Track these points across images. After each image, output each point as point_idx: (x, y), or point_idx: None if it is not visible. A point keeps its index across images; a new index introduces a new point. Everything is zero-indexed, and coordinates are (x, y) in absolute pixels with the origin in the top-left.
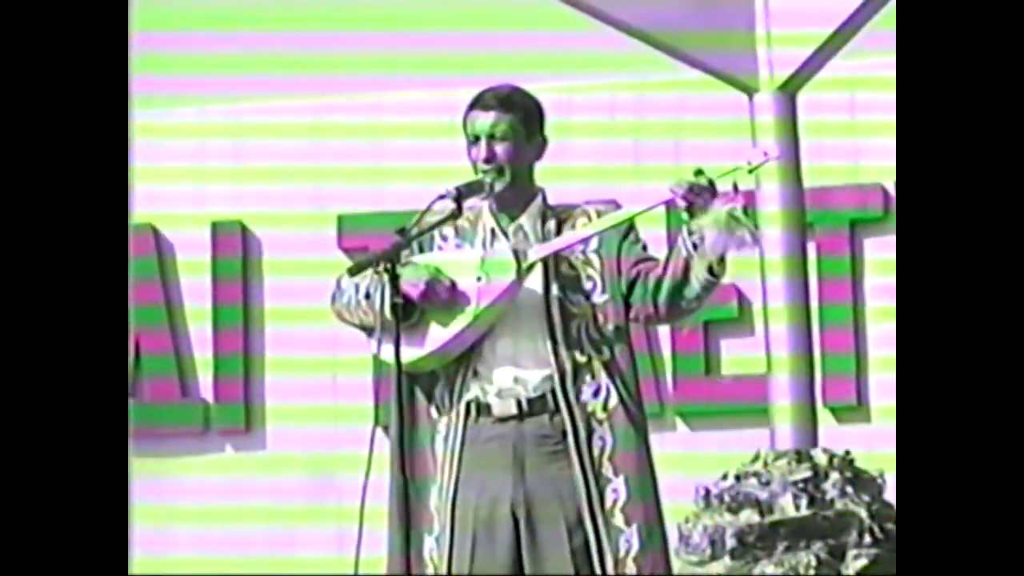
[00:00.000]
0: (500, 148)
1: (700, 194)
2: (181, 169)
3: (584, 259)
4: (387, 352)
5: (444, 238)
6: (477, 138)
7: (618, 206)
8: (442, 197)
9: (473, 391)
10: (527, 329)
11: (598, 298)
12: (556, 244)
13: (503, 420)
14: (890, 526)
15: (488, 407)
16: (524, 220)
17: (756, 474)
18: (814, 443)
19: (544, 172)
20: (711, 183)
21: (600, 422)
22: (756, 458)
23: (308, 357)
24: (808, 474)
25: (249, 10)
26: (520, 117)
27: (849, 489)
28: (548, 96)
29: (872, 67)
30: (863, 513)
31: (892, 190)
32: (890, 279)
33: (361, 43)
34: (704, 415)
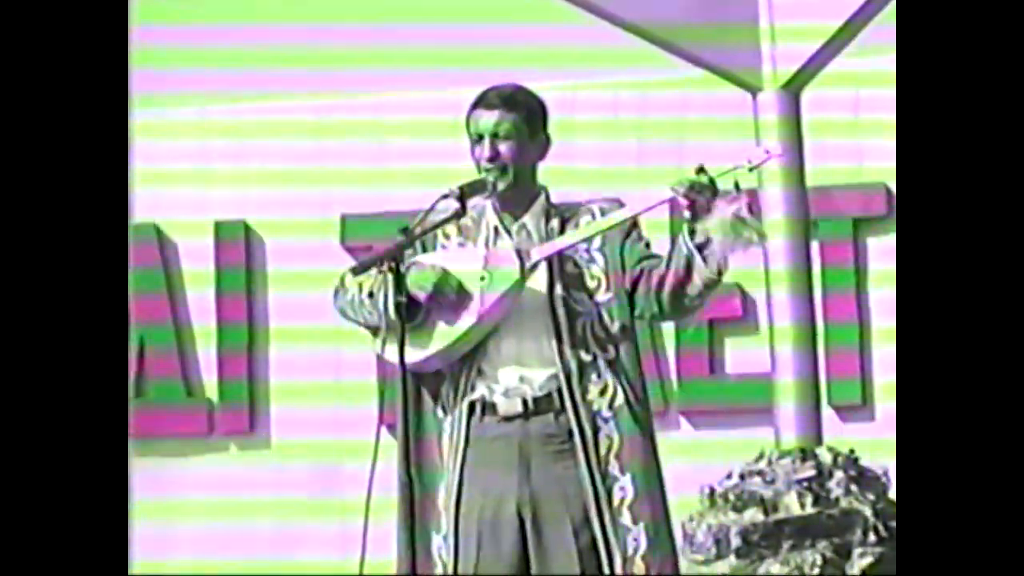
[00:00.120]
0: (503, 147)
1: (701, 192)
2: (184, 170)
3: (588, 257)
4: (391, 352)
5: (447, 237)
6: (480, 137)
7: (622, 204)
8: (445, 196)
9: (479, 390)
10: (532, 328)
11: (602, 296)
12: (559, 243)
13: (509, 419)
14: (895, 524)
15: (494, 406)
16: (527, 219)
17: (760, 473)
18: (818, 442)
19: (547, 171)
20: (712, 182)
21: (606, 420)
22: (760, 457)
23: (312, 358)
24: (812, 472)
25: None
26: (523, 116)
27: (854, 487)
28: (551, 94)
29: (876, 65)
30: (868, 511)
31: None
32: (894, 279)
33: (363, 42)
34: (708, 414)
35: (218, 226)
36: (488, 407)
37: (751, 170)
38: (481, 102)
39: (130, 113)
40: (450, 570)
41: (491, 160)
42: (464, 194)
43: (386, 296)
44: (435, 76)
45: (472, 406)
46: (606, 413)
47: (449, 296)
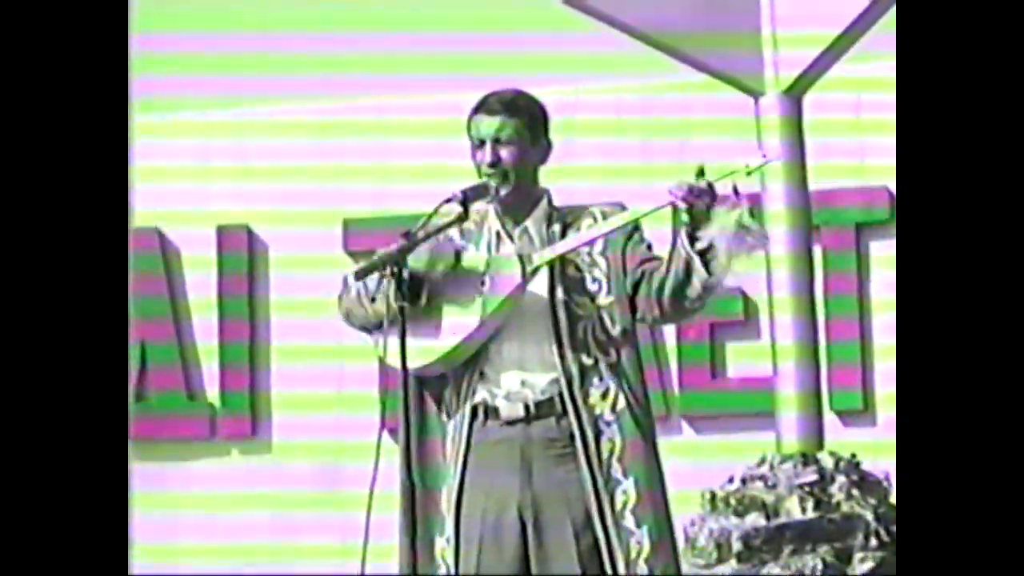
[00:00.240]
0: (505, 152)
1: (700, 196)
2: (186, 172)
3: (590, 261)
4: (393, 356)
5: (450, 241)
6: (482, 142)
7: (624, 208)
8: (448, 200)
9: (481, 394)
10: (533, 332)
11: (604, 300)
12: (560, 248)
13: (511, 423)
14: (896, 529)
15: (496, 410)
16: (529, 223)
17: (762, 477)
18: (820, 446)
19: (550, 175)
20: (710, 186)
21: (608, 424)
22: (762, 461)
23: (314, 360)
24: (814, 477)
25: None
26: (525, 121)
27: (855, 492)
28: (554, 99)
29: (877, 69)
30: (869, 516)
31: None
32: (895, 283)
33: (366, 45)
34: (710, 418)
35: (220, 229)
36: (490, 411)
37: (749, 174)
38: (482, 107)
39: (130, 115)
40: (453, 572)
41: (492, 165)
42: (467, 198)
43: (388, 299)
44: (438, 80)
45: (474, 410)
46: (608, 417)
47: (447, 264)
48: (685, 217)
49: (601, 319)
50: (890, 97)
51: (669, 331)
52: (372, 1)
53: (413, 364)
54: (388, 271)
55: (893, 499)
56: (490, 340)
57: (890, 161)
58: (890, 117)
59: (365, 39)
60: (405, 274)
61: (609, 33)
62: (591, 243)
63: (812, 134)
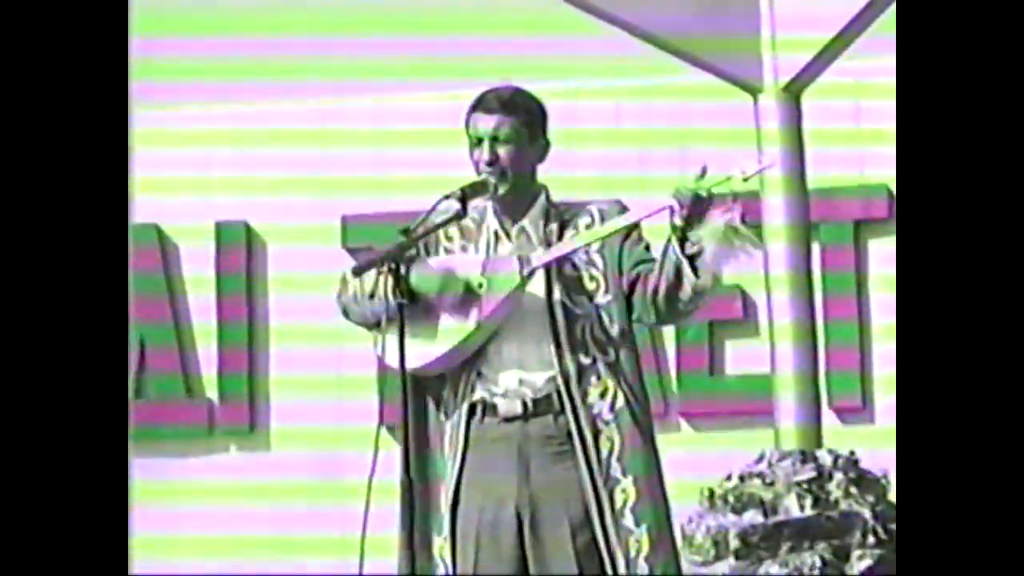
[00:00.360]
0: (503, 150)
1: (700, 204)
2: (185, 171)
3: (587, 260)
4: (391, 355)
5: (450, 240)
6: (480, 140)
7: (623, 205)
8: (447, 198)
9: (479, 392)
10: (532, 332)
11: (602, 299)
12: (558, 250)
13: (508, 420)
14: (894, 527)
15: (494, 407)
16: (527, 222)
17: (760, 474)
18: (818, 444)
19: (549, 176)
20: (710, 194)
21: (607, 423)
22: (760, 458)
23: (313, 358)
24: (812, 474)
25: (253, 14)
26: (523, 119)
27: (853, 490)
28: (553, 99)
29: (877, 70)
30: (867, 514)
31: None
32: (894, 281)
33: (365, 46)
34: (708, 416)
35: (219, 227)
36: (488, 408)
37: (745, 180)
38: (480, 105)
39: (130, 115)
40: (450, 571)
41: (490, 164)
42: (465, 196)
43: (386, 297)
44: (437, 81)
45: (472, 408)
46: (607, 416)
47: (455, 297)
48: (679, 221)
49: (599, 318)
50: (889, 96)
51: (667, 328)
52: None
53: (411, 364)
54: (386, 268)
55: (891, 496)
56: (489, 340)
57: (889, 160)
58: (889, 116)
59: (362, 41)
60: (403, 271)
61: (608, 34)
62: (588, 244)
63: (810, 133)
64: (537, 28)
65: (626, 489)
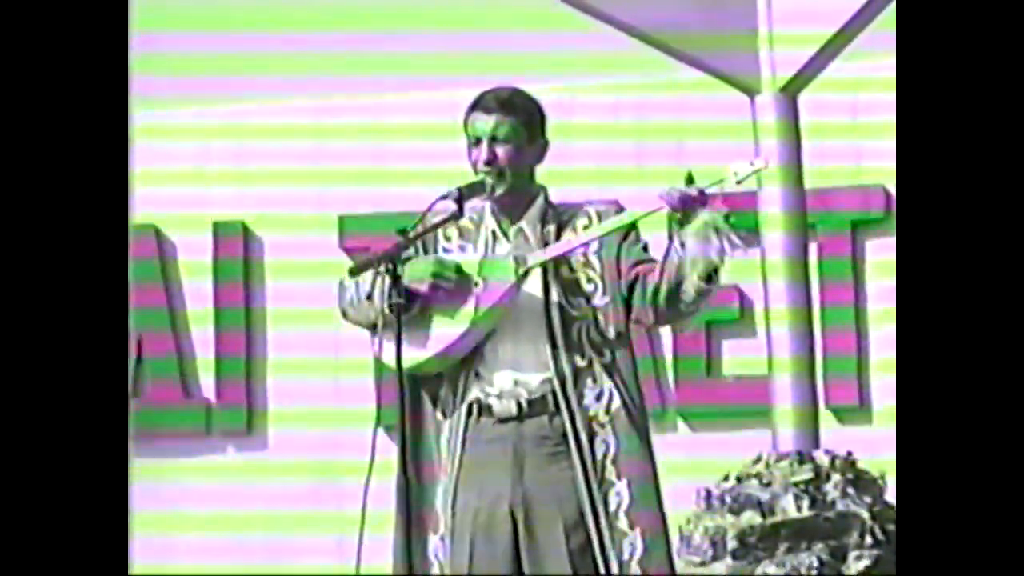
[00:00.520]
0: (501, 151)
1: (690, 203)
2: (183, 170)
3: (584, 261)
4: (389, 354)
5: (448, 239)
6: (478, 140)
7: (620, 206)
8: (443, 198)
9: (474, 393)
10: (528, 333)
11: (599, 301)
12: (554, 250)
13: (504, 421)
14: (891, 527)
15: (489, 408)
16: (524, 223)
17: (757, 475)
18: (816, 445)
19: (546, 173)
20: (701, 192)
21: (602, 425)
22: (758, 459)
23: (310, 357)
24: (810, 475)
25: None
26: (521, 119)
27: (850, 490)
28: (550, 97)
29: (874, 68)
30: (864, 514)
31: (894, 191)
32: (892, 280)
33: (362, 44)
34: (706, 416)
35: (216, 226)
36: (484, 409)
37: (739, 182)
38: (478, 105)
39: (130, 114)
40: (446, 571)
41: (488, 164)
42: (462, 196)
43: (383, 297)
44: (434, 78)
45: (469, 408)
46: (603, 418)
47: (449, 283)
48: (674, 222)
49: (596, 320)
50: (887, 96)
51: (665, 329)
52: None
53: (408, 363)
54: (383, 268)
55: (888, 497)
56: (485, 340)
57: (886, 157)
58: (887, 115)
59: (359, 38)
60: (400, 271)
61: (606, 32)
62: (586, 243)
63: (808, 133)
64: (535, 26)
65: (620, 492)
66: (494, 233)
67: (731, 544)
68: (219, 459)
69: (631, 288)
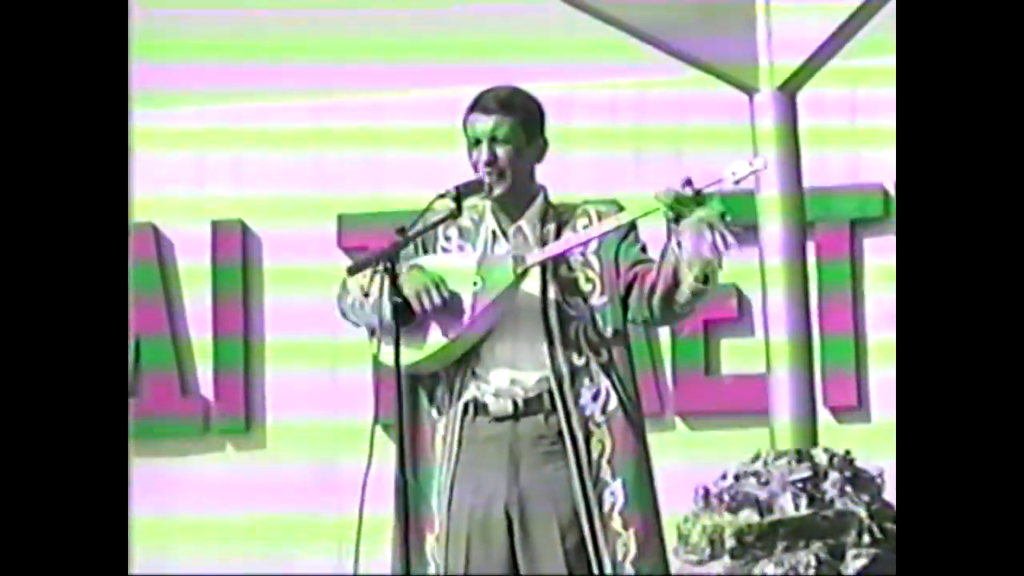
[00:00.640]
0: (501, 151)
1: (685, 204)
2: (181, 168)
3: (583, 261)
4: (387, 353)
5: (448, 238)
6: (478, 141)
7: (620, 205)
8: (442, 196)
9: (471, 391)
10: (526, 332)
11: (596, 300)
12: (553, 249)
13: (500, 420)
14: (890, 526)
15: (485, 406)
16: (524, 223)
17: (755, 474)
18: (814, 443)
19: (545, 172)
20: (698, 193)
21: (599, 425)
22: (756, 458)
23: (308, 356)
24: (808, 474)
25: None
26: (521, 119)
27: (849, 489)
28: (548, 94)
29: (873, 66)
30: (863, 513)
31: (893, 190)
32: (890, 279)
33: (360, 42)
34: (703, 414)
35: (215, 224)
36: (480, 408)
37: (737, 183)
38: (477, 105)
39: (130, 113)
40: (442, 570)
41: (488, 164)
42: (460, 194)
43: (381, 296)
44: (433, 76)
45: (465, 407)
46: (599, 418)
47: (439, 304)
48: (673, 225)
49: (593, 319)
50: (886, 93)
51: (663, 328)
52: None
53: (406, 361)
54: (381, 268)
55: (886, 496)
56: (483, 339)
57: (885, 158)
58: (886, 113)
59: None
60: (399, 270)
61: (604, 30)
62: (585, 243)
63: (807, 131)
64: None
65: (615, 492)
66: (494, 233)
67: (729, 542)
68: (217, 458)
69: (629, 288)
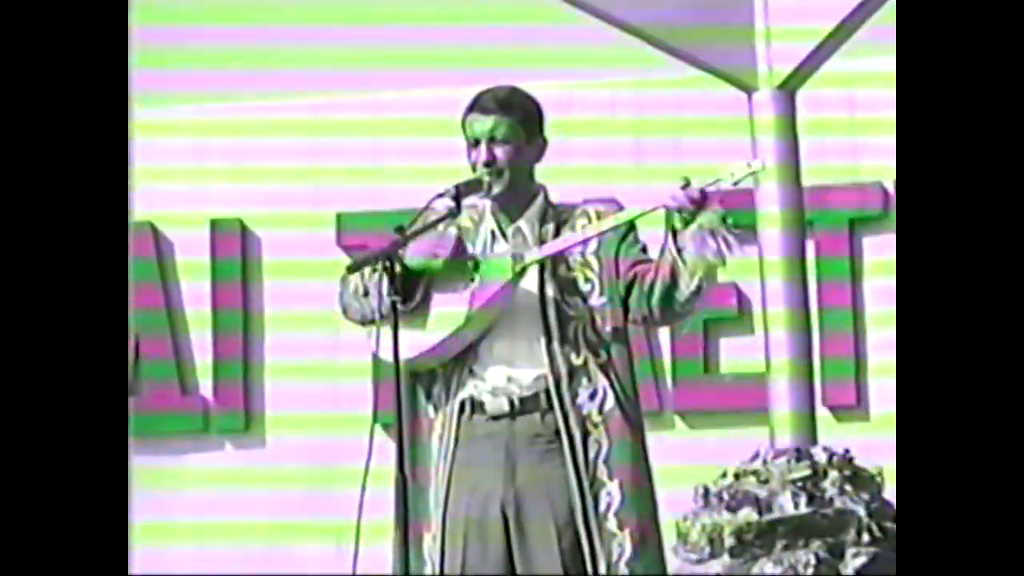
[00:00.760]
0: (500, 151)
1: (696, 204)
2: (180, 168)
3: (582, 261)
4: (386, 351)
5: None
6: (477, 141)
7: (619, 205)
8: (441, 195)
9: (468, 389)
10: (524, 331)
11: (596, 300)
12: (552, 247)
13: (496, 418)
14: (889, 524)
15: (482, 404)
16: (523, 223)
17: (755, 472)
18: (813, 441)
19: (544, 171)
20: (703, 192)
21: (596, 425)
22: (755, 456)
23: (308, 355)
24: (807, 472)
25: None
26: (520, 119)
27: (848, 487)
28: (548, 94)
29: (872, 65)
30: (862, 511)
31: (892, 189)
32: (890, 278)
33: (359, 41)
34: (703, 413)
35: (214, 223)
36: (477, 406)
37: (736, 183)
38: (476, 105)
39: (130, 113)
40: (438, 569)
41: (487, 164)
42: (459, 193)
43: (380, 294)
44: (431, 75)
45: (462, 405)
46: (596, 418)
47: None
48: (677, 223)
49: (592, 319)
50: (885, 92)
51: (663, 328)
52: None
53: (404, 357)
54: (380, 265)
55: (886, 494)
56: (481, 337)
57: (884, 154)
58: (886, 112)
59: (356, 35)
60: (397, 269)
61: (603, 29)
62: (585, 242)
63: (806, 129)
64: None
65: (611, 493)
66: (493, 232)
67: (728, 541)
68: (217, 457)
69: (628, 288)
